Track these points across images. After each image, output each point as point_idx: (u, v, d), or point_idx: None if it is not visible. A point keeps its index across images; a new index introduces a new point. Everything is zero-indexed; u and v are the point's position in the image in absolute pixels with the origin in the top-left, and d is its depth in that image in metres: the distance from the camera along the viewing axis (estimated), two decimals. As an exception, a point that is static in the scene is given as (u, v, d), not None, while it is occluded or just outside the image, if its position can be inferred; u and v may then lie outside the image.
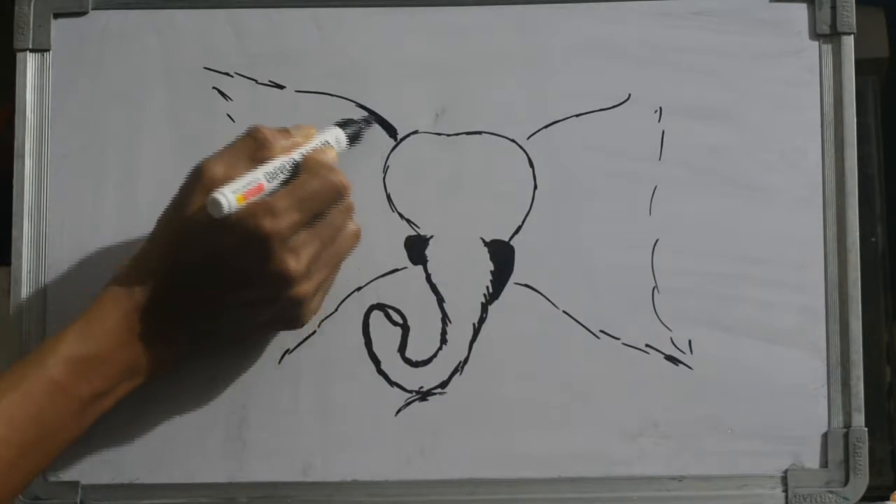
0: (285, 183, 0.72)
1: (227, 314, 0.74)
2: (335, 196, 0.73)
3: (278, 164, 0.72)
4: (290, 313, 0.74)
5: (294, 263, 0.71)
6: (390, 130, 0.81)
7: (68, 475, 0.79)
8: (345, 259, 0.77)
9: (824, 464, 0.79)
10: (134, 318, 0.72)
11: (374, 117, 0.81)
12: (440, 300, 0.80)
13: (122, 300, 0.73)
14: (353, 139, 0.78)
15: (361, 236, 0.77)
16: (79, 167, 0.81)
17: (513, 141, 0.81)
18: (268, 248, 0.70)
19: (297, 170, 0.73)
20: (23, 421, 0.70)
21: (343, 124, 0.78)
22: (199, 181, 0.72)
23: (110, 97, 0.82)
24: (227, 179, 0.71)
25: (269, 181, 0.71)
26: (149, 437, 0.79)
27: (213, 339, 0.76)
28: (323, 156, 0.74)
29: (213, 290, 0.73)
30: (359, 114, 0.81)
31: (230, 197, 0.70)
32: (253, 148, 0.73)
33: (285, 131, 0.74)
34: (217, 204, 0.69)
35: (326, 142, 0.76)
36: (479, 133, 0.81)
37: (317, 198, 0.72)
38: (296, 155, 0.73)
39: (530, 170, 0.81)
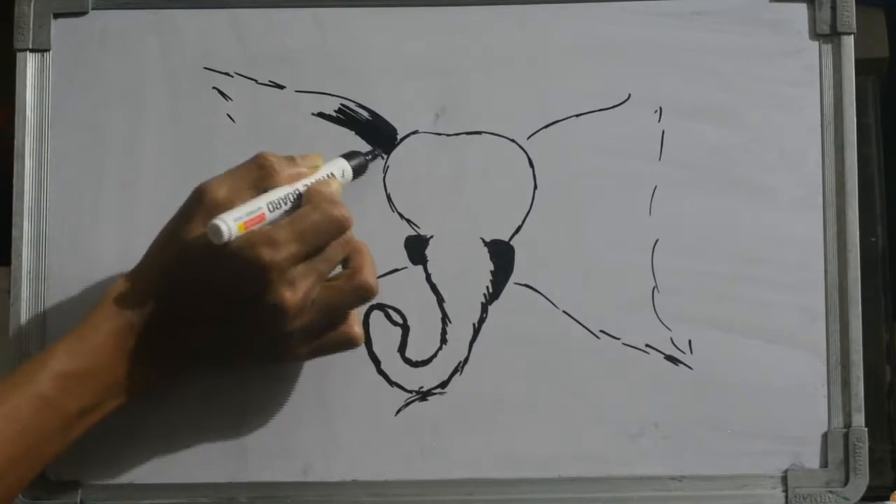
0: (288, 213, 0.72)
1: (217, 340, 0.74)
2: (336, 230, 0.72)
3: (282, 195, 0.72)
4: (278, 347, 0.74)
5: (290, 295, 0.70)
6: (390, 130, 0.82)
7: (68, 475, 0.79)
8: (342, 309, 0.75)
9: (824, 464, 0.79)
10: (125, 337, 0.72)
11: (374, 117, 0.82)
12: (440, 300, 0.80)
13: (114, 317, 0.72)
14: (358, 171, 0.78)
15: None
16: (79, 167, 0.81)
17: (513, 141, 0.81)
18: (265, 279, 0.70)
19: (300, 201, 0.73)
20: (9, 435, 0.69)
21: (349, 156, 0.78)
22: (201, 203, 0.71)
23: (110, 97, 0.82)
24: (228, 204, 0.71)
25: (271, 211, 0.71)
26: (149, 437, 0.79)
27: (199, 362, 0.75)
28: (326, 188, 0.73)
29: (207, 314, 0.72)
30: (362, 116, 0.81)
31: (231, 224, 0.69)
32: (257, 175, 0.72)
33: (291, 160, 0.74)
34: (218, 231, 0.69)
35: (331, 174, 0.76)
36: (479, 133, 0.81)
37: (317, 231, 0.71)
38: (300, 186, 0.73)
39: (530, 170, 0.81)
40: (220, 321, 0.72)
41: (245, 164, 0.73)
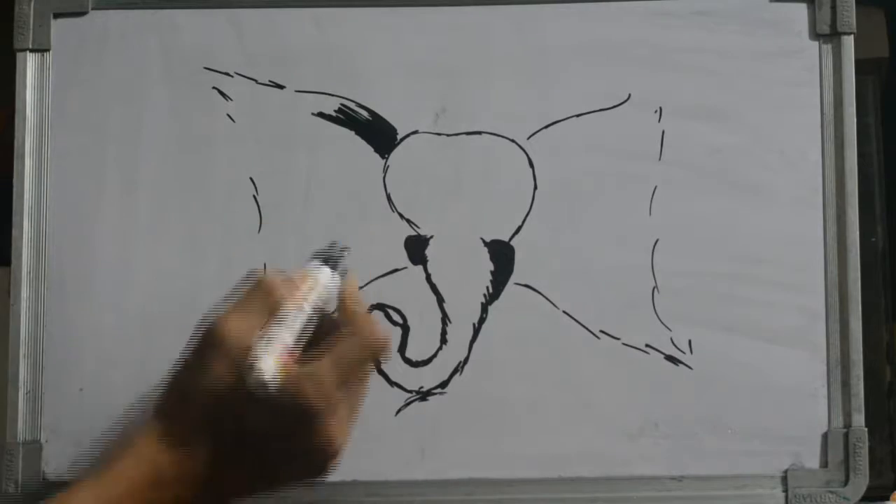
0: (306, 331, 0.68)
1: (252, 483, 0.68)
2: (376, 355, 0.68)
3: (298, 322, 0.67)
4: (323, 468, 0.69)
5: (337, 426, 0.66)
6: (390, 130, 0.82)
7: (68, 475, 0.79)
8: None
9: (824, 464, 0.79)
10: (150, 489, 0.66)
11: (374, 117, 0.82)
12: (440, 300, 0.80)
13: (140, 467, 0.66)
14: (339, 271, 0.72)
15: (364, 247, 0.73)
16: (79, 167, 0.81)
17: (513, 141, 0.81)
18: (314, 422, 0.66)
19: (318, 321, 0.68)
20: None
21: (325, 259, 0.71)
22: (219, 344, 0.66)
23: (110, 97, 0.82)
24: (246, 337, 0.66)
25: (293, 339, 0.67)
26: (149, 437, 0.79)
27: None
28: (361, 309, 0.70)
29: (244, 459, 0.67)
30: (361, 116, 0.81)
31: (273, 372, 0.65)
32: (264, 300, 0.67)
33: (287, 278, 0.69)
34: (263, 382, 0.64)
35: (330, 279, 0.70)
36: (479, 133, 0.81)
37: (358, 357, 0.67)
38: (307, 307, 0.68)
39: (530, 170, 0.81)
40: (259, 464, 0.67)
41: (248, 291, 0.68)
